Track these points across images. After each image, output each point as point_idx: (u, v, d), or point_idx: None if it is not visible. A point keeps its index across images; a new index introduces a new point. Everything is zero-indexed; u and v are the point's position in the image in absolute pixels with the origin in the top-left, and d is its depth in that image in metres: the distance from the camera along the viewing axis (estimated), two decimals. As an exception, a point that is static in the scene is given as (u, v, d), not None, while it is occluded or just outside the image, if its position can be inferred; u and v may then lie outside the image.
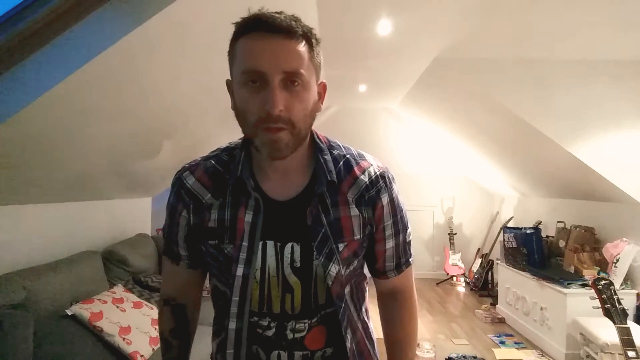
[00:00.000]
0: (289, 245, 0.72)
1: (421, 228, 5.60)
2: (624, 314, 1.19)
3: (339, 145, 0.83)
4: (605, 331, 2.49)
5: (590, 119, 2.86)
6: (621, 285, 2.89)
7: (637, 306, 2.84)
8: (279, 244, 0.72)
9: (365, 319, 0.85)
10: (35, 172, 1.80)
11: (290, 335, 0.74)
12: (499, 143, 3.84)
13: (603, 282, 1.26)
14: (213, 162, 0.78)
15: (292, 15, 0.68)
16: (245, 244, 0.72)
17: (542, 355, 3.06)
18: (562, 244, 3.52)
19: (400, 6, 2.31)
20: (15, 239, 1.94)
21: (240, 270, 0.72)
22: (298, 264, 0.73)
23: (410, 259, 0.85)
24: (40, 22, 1.31)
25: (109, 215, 2.85)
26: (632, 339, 1.15)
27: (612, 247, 3.00)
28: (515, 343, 3.33)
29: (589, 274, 3.05)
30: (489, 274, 4.82)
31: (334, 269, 0.73)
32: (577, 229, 3.34)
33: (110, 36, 1.37)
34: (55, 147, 1.71)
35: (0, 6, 1.32)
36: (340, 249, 0.73)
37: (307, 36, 0.68)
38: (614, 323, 1.18)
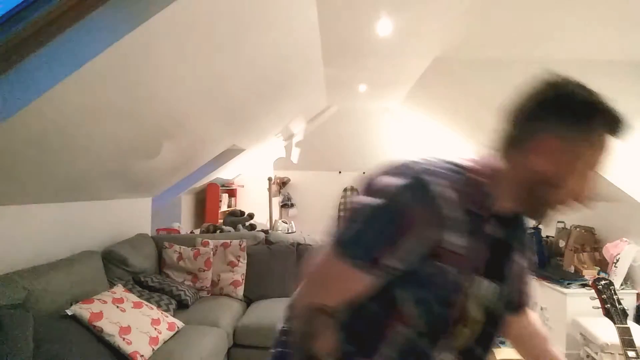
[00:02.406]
0: (491, 284, 0.74)
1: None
2: (624, 314, 1.19)
3: None
4: (605, 331, 2.48)
5: (590, 119, 2.86)
6: (621, 285, 2.89)
7: (637, 306, 2.84)
8: (487, 282, 0.74)
9: None
10: (36, 172, 1.80)
11: None
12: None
13: (603, 282, 1.26)
14: (458, 177, 0.69)
15: None
16: (478, 278, 0.72)
17: (542, 355, 3.06)
18: (562, 244, 3.52)
19: (400, 6, 2.31)
20: (15, 239, 1.94)
21: (459, 300, 0.72)
22: (491, 305, 0.75)
23: None
24: (40, 22, 1.31)
25: (109, 215, 2.85)
26: (632, 339, 1.15)
27: (612, 247, 3.00)
28: (515, 343, 3.32)
29: (589, 274, 3.05)
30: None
31: (505, 312, 0.79)
32: (577, 229, 3.34)
33: (110, 36, 1.37)
34: (56, 147, 1.71)
35: (0, 6, 1.32)
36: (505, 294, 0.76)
37: None
38: (614, 323, 1.18)
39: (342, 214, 0.86)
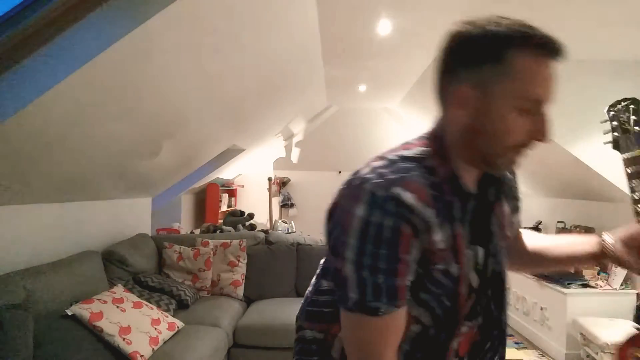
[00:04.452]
0: (473, 248, 0.69)
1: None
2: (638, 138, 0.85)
3: None
4: (605, 331, 2.49)
5: (590, 118, 2.86)
6: (621, 285, 2.89)
7: (637, 306, 2.84)
8: (468, 251, 0.69)
9: None
10: (36, 172, 1.80)
11: (455, 345, 0.70)
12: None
13: (622, 103, 0.90)
14: (417, 173, 0.63)
15: None
16: (464, 259, 0.66)
17: (542, 355, 3.06)
18: (562, 244, 3.52)
19: (400, 6, 2.31)
20: (15, 239, 1.94)
21: (465, 288, 0.66)
22: (481, 267, 0.71)
23: None
24: (40, 22, 1.31)
25: (109, 215, 2.85)
26: None
27: (612, 247, 3.00)
28: (515, 343, 3.33)
29: (589, 274, 3.05)
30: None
31: (505, 265, 0.74)
32: (577, 229, 3.34)
33: (110, 36, 1.37)
34: (55, 147, 1.71)
35: (0, 6, 1.32)
36: (504, 246, 0.74)
37: None
38: (621, 152, 0.88)
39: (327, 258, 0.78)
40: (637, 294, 2.87)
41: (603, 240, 0.74)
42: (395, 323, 0.62)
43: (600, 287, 2.94)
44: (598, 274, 3.04)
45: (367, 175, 0.62)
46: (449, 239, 0.64)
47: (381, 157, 0.66)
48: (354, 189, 0.62)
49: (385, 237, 0.59)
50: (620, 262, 0.71)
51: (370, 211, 0.59)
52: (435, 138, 0.69)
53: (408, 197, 0.59)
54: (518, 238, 0.88)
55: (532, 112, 0.60)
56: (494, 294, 0.73)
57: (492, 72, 0.60)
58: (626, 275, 2.90)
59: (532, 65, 0.59)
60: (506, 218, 0.75)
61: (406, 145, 0.69)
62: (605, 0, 2.06)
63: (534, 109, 0.60)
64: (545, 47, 0.59)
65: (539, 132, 0.61)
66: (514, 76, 0.59)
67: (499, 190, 0.73)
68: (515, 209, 0.82)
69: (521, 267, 0.91)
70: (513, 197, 0.80)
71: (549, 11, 2.21)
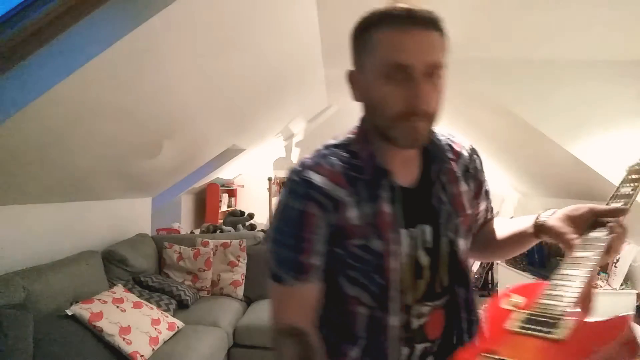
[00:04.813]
0: (419, 227, 0.72)
1: (421, 228, 5.58)
2: None
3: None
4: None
5: (590, 118, 2.86)
6: (621, 285, 2.89)
7: (637, 306, 2.84)
8: (412, 230, 0.71)
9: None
10: (35, 172, 1.80)
11: (414, 324, 0.72)
12: (498, 143, 3.83)
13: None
14: (334, 159, 0.72)
15: (427, 9, 0.67)
16: (392, 235, 0.69)
17: (542, 355, 3.05)
18: (562, 244, 3.52)
19: (400, 6, 2.31)
20: (15, 239, 1.94)
21: (395, 263, 0.69)
22: (430, 245, 0.72)
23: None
24: (40, 22, 1.31)
25: (109, 215, 2.85)
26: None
27: (612, 247, 3.00)
28: (515, 343, 3.32)
29: (589, 274, 3.05)
30: (489, 274, 4.81)
31: (462, 244, 0.75)
32: (577, 229, 3.34)
33: (110, 36, 1.37)
34: (56, 147, 1.71)
35: (0, 6, 1.32)
36: (456, 223, 0.75)
37: (442, 27, 0.66)
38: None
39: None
40: (637, 294, 2.87)
41: (538, 215, 0.76)
42: (302, 295, 0.70)
43: (600, 287, 2.93)
44: (598, 274, 3.04)
45: (294, 166, 0.73)
46: (368, 216, 0.68)
47: (316, 149, 0.76)
48: (286, 180, 0.73)
49: (293, 218, 0.68)
50: (555, 235, 0.70)
51: (286, 195, 0.70)
52: (361, 124, 0.76)
53: (317, 179, 0.68)
54: (489, 224, 0.89)
55: (401, 78, 0.63)
56: (453, 274, 0.74)
57: (363, 51, 0.68)
58: (626, 275, 2.90)
59: (389, 36, 0.64)
60: (463, 197, 0.77)
61: (337, 135, 0.77)
62: (605, 0, 2.06)
63: (400, 74, 0.63)
64: (401, 19, 0.63)
65: (412, 97, 0.63)
66: (376, 48, 0.65)
67: (441, 170, 0.75)
68: (480, 192, 0.83)
69: (492, 254, 0.94)
70: (474, 178, 0.81)
71: (548, 11, 2.21)
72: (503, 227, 0.87)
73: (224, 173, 5.30)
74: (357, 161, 0.71)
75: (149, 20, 1.40)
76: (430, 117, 0.66)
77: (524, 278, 3.47)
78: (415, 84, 0.63)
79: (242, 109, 3.26)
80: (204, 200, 5.33)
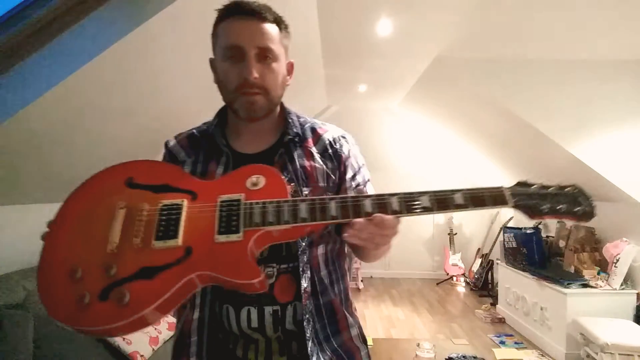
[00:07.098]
0: None
1: (421, 228, 5.59)
2: None
3: (306, 117, 0.95)
4: (605, 331, 2.49)
5: (590, 118, 2.86)
6: (621, 285, 2.89)
7: (637, 306, 2.84)
8: None
9: (349, 310, 0.88)
10: (36, 172, 1.80)
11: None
12: (499, 143, 3.84)
13: None
14: (194, 130, 0.92)
15: (264, 4, 0.82)
16: None
17: (542, 356, 3.06)
18: (562, 244, 3.52)
19: (400, 6, 2.31)
20: (15, 239, 1.94)
21: None
22: None
23: None
24: (40, 22, 1.31)
25: (109, 215, 2.84)
26: None
27: (612, 247, 3.00)
28: (515, 343, 3.33)
29: (589, 274, 3.05)
30: (489, 274, 4.82)
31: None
32: (577, 229, 3.34)
33: (111, 36, 1.37)
34: (56, 147, 1.72)
35: (0, 6, 1.32)
36: (305, 192, 0.81)
37: (277, 21, 0.83)
38: None
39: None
40: (637, 294, 2.87)
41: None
42: None
43: (600, 287, 2.94)
44: (598, 274, 3.04)
45: None
46: (197, 174, 0.83)
47: None
48: None
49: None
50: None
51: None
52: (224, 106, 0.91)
53: (171, 143, 0.91)
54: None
55: (237, 58, 0.79)
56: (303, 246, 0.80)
57: (216, 41, 0.86)
58: (626, 275, 2.90)
59: (225, 25, 0.82)
60: (316, 171, 0.85)
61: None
62: (605, 0, 2.06)
63: (236, 55, 0.79)
64: (235, 10, 0.80)
65: (245, 71, 0.78)
66: (220, 36, 0.83)
67: (292, 143, 0.86)
68: (342, 171, 0.88)
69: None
70: (333, 159, 0.88)
71: (548, 12, 2.21)
72: None
73: (224, 173, 5.29)
74: (200, 135, 0.90)
75: (149, 20, 1.40)
76: (265, 92, 0.80)
77: (524, 278, 3.47)
78: (247, 62, 0.78)
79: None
80: (204, 200, 5.33)
